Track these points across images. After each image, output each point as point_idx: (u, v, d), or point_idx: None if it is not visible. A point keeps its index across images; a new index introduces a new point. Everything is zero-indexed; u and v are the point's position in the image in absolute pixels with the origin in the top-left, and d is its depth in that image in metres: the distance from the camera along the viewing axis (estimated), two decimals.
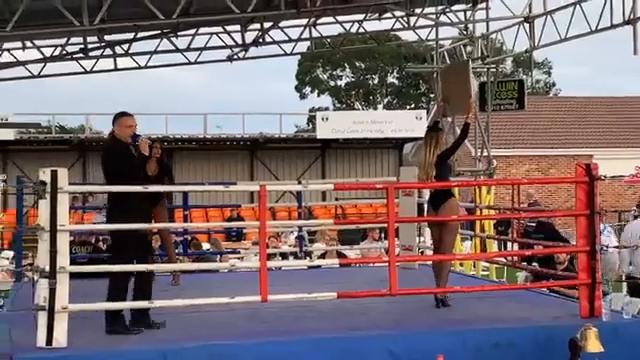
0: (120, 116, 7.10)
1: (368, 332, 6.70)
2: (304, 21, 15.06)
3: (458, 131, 10.13)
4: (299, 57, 47.26)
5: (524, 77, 24.17)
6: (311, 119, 40.53)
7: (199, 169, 28.65)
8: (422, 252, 11.76)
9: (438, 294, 7.97)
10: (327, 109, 48.01)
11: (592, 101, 35.47)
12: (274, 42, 15.42)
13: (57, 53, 15.11)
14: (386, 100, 52.64)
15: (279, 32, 15.43)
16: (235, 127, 44.53)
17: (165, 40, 15.01)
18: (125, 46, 15.07)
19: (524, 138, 31.59)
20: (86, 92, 64.99)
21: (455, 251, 13.69)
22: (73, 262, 6.74)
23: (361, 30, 15.60)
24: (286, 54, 16.16)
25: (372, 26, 15.87)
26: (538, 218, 13.16)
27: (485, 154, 15.44)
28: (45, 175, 6.08)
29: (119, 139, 7.03)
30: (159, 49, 15.44)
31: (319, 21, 15.25)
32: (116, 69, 15.90)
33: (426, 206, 8.97)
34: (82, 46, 14.77)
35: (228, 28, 15.12)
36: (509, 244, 11.53)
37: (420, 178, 8.49)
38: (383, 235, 15.06)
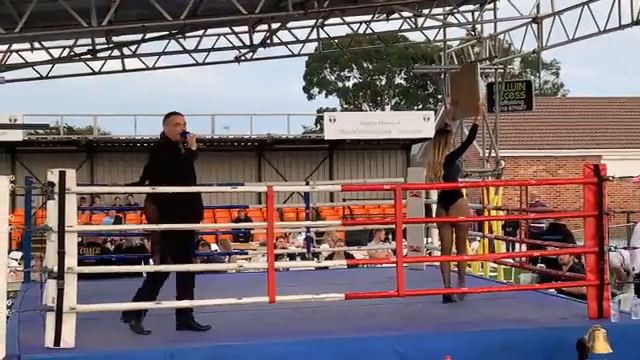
0: (169, 115, 7.22)
1: (375, 333, 6.70)
2: (312, 22, 15.05)
3: (466, 132, 10.21)
4: (307, 58, 47.30)
5: (532, 78, 24.16)
6: (319, 120, 40.52)
7: (206, 170, 28.58)
8: (429, 253, 11.76)
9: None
10: (335, 110, 47.99)
11: (600, 102, 35.38)
12: (282, 43, 15.41)
13: (65, 54, 15.13)
14: (394, 101, 52.60)
15: (287, 33, 15.44)
16: (243, 128, 44.59)
17: (173, 41, 15.03)
18: (133, 47, 15.09)
19: (532, 139, 31.54)
20: (94, 93, 65.22)
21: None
22: (82, 263, 6.77)
23: (369, 31, 15.58)
24: (294, 55, 16.16)
25: (380, 27, 15.87)
26: (544, 219, 13.15)
27: (493, 155, 15.43)
28: (53, 176, 6.09)
29: (168, 138, 7.13)
30: (167, 50, 15.45)
31: (327, 22, 15.24)
32: (124, 70, 15.92)
33: (435, 206, 9.08)
34: (90, 47, 14.79)
35: (236, 29, 15.13)
36: (517, 245, 11.53)
37: (429, 178, 8.67)
38: (391, 236, 15.06)
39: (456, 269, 9.07)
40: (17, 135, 26.52)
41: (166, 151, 7.07)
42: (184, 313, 6.89)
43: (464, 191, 9.62)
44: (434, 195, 11.16)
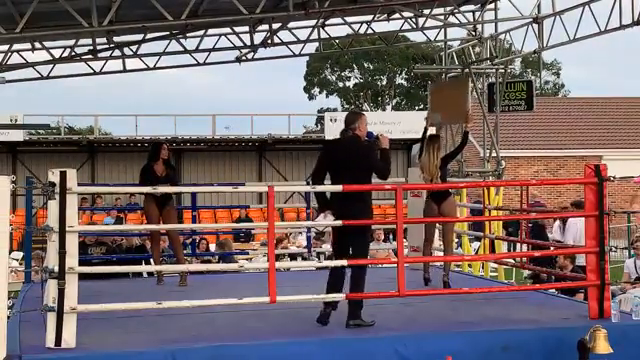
0: (361, 115, 7.45)
1: (376, 333, 6.70)
2: (312, 22, 15.05)
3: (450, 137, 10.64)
4: (307, 58, 47.31)
5: (533, 78, 24.14)
6: (319, 120, 40.52)
7: (207, 170, 28.66)
8: (430, 253, 11.75)
9: (444, 278, 9.11)
10: (335, 110, 47.95)
11: (601, 102, 35.36)
12: (283, 43, 15.41)
13: (66, 54, 15.13)
14: (394, 101, 52.57)
15: (287, 33, 15.44)
16: (243, 128, 44.66)
17: (174, 41, 15.03)
18: (134, 47, 15.09)
19: (533, 139, 31.51)
20: (95, 93, 65.26)
21: (464, 252, 13.74)
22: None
23: (369, 31, 15.58)
24: (294, 55, 16.15)
25: (380, 27, 15.87)
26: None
27: (494, 155, 15.42)
28: (54, 176, 6.08)
29: (359, 136, 7.28)
30: (168, 50, 15.46)
31: (327, 22, 15.24)
32: (125, 70, 15.93)
33: (426, 201, 9.74)
34: (91, 47, 14.78)
35: (237, 29, 15.13)
36: (518, 245, 11.53)
37: (425, 179, 9.46)
38: (391, 236, 15.03)
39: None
40: (18, 135, 26.56)
41: (371, 149, 7.20)
42: (357, 307, 6.98)
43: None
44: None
